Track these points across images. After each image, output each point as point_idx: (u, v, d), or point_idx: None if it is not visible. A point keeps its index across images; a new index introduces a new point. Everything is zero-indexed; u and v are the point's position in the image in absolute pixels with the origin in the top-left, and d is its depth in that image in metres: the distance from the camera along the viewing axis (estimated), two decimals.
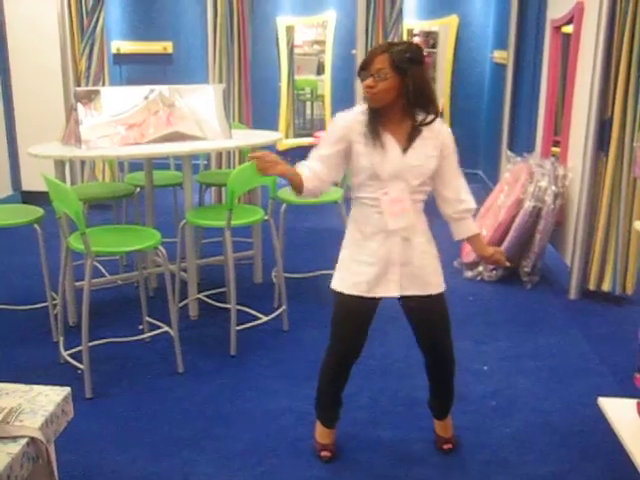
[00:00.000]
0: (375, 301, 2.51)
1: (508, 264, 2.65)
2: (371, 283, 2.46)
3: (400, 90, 2.32)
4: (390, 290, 2.48)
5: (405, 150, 2.38)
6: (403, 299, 2.53)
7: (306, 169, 2.46)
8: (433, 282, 2.52)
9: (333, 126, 2.46)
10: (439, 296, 2.54)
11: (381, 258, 2.44)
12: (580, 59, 4.48)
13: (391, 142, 2.38)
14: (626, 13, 3.86)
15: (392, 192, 2.39)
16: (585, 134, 4.15)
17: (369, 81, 2.32)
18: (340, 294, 2.51)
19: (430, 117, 2.39)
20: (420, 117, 2.40)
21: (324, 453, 2.71)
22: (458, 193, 2.53)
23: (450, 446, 2.78)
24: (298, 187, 2.45)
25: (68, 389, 1.28)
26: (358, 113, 2.42)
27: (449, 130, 2.49)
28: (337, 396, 2.71)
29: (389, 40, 5.92)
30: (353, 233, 2.52)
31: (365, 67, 2.34)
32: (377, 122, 2.38)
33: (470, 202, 2.57)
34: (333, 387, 2.69)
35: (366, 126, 2.38)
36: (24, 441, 1.10)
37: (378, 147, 2.36)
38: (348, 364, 2.61)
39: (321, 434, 2.76)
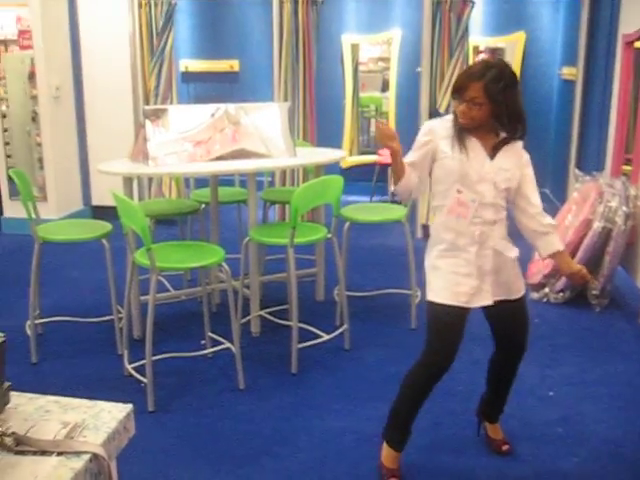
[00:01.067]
0: (469, 310, 2.54)
1: (592, 281, 2.71)
2: (469, 294, 2.51)
3: (493, 115, 2.43)
4: (484, 299, 2.54)
5: (492, 156, 2.47)
6: (492, 309, 2.58)
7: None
8: (517, 287, 2.62)
9: (420, 132, 2.56)
10: (522, 299, 2.64)
11: (477, 269, 2.50)
12: None
13: (478, 147, 2.47)
14: None
15: (464, 195, 2.45)
16: None
17: (463, 107, 2.42)
18: (440, 305, 2.51)
19: (518, 134, 2.49)
20: (503, 133, 2.49)
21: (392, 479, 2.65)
22: (540, 208, 2.58)
23: (508, 447, 2.84)
24: (399, 173, 2.51)
25: (130, 406, 1.29)
26: (445, 120, 2.54)
27: (526, 153, 2.58)
28: (414, 414, 2.65)
29: (454, 57, 5.87)
30: (443, 243, 2.54)
31: (459, 92, 2.41)
32: (464, 130, 2.48)
33: (551, 218, 2.62)
34: (416, 403, 2.63)
35: (454, 131, 2.48)
36: (87, 457, 1.11)
37: (465, 150, 2.45)
38: (440, 376, 2.57)
39: (389, 458, 2.68)
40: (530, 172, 2.57)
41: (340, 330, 3.88)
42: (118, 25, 6.17)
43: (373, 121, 8.64)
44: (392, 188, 2.60)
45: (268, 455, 2.86)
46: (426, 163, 2.53)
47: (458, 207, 2.47)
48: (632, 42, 4.84)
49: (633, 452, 2.88)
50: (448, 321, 2.53)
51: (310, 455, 2.86)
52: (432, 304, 2.54)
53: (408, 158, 2.55)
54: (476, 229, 2.48)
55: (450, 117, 2.53)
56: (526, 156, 2.56)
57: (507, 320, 2.66)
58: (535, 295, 4.61)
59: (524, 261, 4.88)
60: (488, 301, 2.54)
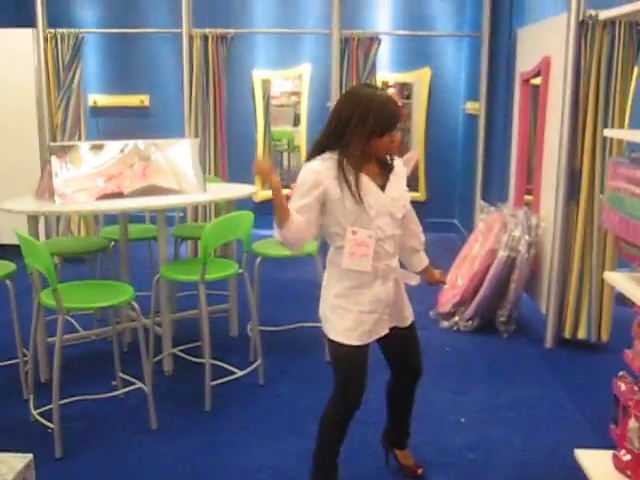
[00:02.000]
0: (370, 345, 2.57)
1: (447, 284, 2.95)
2: (372, 330, 2.53)
3: None
4: (383, 330, 2.58)
5: (383, 187, 2.48)
6: (384, 339, 2.62)
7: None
8: (408, 313, 2.70)
9: (304, 176, 2.44)
10: (412, 324, 2.72)
11: (381, 303, 2.53)
12: (549, 111, 4.58)
13: (367, 182, 2.44)
14: (590, 66, 3.97)
15: (360, 234, 2.43)
16: (556, 184, 4.22)
17: (399, 135, 2.48)
18: (346, 346, 2.50)
19: (390, 158, 2.54)
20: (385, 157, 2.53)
21: None
22: (418, 225, 2.73)
23: (422, 470, 2.90)
24: (283, 213, 2.37)
25: (30, 456, 1.25)
26: (325, 160, 2.43)
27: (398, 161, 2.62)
28: (337, 453, 2.65)
29: None
30: (344, 282, 2.50)
31: (396, 124, 2.42)
32: (354, 165, 2.42)
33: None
34: (336, 443, 2.63)
35: (341, 170, 2.40)
36: None
37: (357, 189, 2.40)
38: (352, 413, 2.58)
39: None
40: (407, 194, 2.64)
41: (254, 365, 3.86)
42: (23, 59, 6.03)
43: (286, 155, 8.73)
44: (277, 235, 2.46)
45: None
46: (317, 207, 2.42)
47: (358, 248, 2.43)
48: (528, 79, 5.09)
49: (540, 473, 2.97)
50: (353, 359, 2.53)
51: None
52: (337, 344, 2.52)
53: (294, 204, 2.41)
54: (380, 264, 2.49)
55: (328, 156, 2.43)
56: (402, 168, 2.59)
57: (401, 346, 2.71)
58: (445, 324, 4.73)
59: (434, 290, 5.02)
60: (385, 331, 2.58)
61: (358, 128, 2.36)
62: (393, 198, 2.49)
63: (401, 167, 2.59)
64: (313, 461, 2.67)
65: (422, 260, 2.76)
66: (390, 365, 2.77)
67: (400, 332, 2.65)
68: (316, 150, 2.47)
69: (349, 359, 2.54)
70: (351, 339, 2.49)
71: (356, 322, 2.49)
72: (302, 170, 2.47)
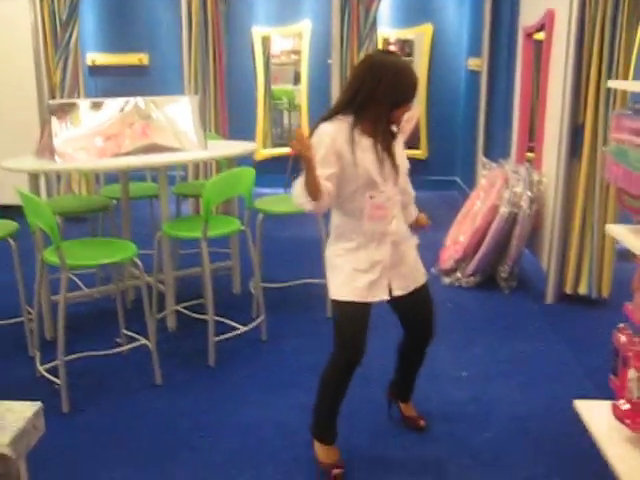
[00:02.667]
0: (370, 304, 2.58)
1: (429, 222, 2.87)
2: (368, 288, 2.53)
3: None
4: (383, 294, 2.58)
5: (390, 155, 2.49)
6: (395, 297, 2.62)
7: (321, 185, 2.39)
8: (419, 275, 2.69)
9: (320, 140, 2.41)
10: (425, 284, 2.72)
11: (376, 264, 2.53)
12: (552, 66, 4.53)
13: (377, 146, 2.46)
14: (595, 20, 3.91)
15: (378, 198, 2.47)
16: (558, 140, 4.20)
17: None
18: (341, 302, 2.55)
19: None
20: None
21: (336, 471, 2.62)
22: (409, 183, 2.74)
23: (424, 421, 2.96)
24: (315, 188, 2.35)
25: (39, 404, 1.27)
26: (338, 122, 2.44)
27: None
28: (337, 409, 2.67)
29: (363, 49, 5.96)
30: (343, 243, 2.56)
31: (413, 97, 2.45)
32: (368, 132, 2.45)
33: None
34: (336, 398, 2.65)
35: (353, 134, 2.42)
36: None
37: (367, 151, 2.43)
38: (352, 370, 2.60)
39: (325, 453, 2.68)
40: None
41: (257, 322, 3.89)
42: (19, 17, 5.94)
43: (286, 113, 8.67)
44: (307, 206, 2.42)
45: (187, 449, 2.85)
46: (338, 170, 2.42)
47: (377, 211, 2.48)
48: (531, 34, 5.03)
49: (538, 426, 3.01)
50: (350, 317, 2.56)
51: (230, 447, 2.87)
52: (334, 302, 2.58)
53: (323, 171, 2.38)
54: (377, 227, 2.53)
55: (341, 118, 2.45)
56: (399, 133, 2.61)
57: (413, 309, 2.72)
58: (447, 280, 4.75)
59: (436, 248, 5.04)
60: (385, 296, 2.58)
61: (384, 98, 2.39)
62: (397, 164, 2.52)
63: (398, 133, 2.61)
64: (313, 415, 2.70)
65: (411, 213, 2.80)
66: (403, 326, 2.79)
67: (412, 294, 2.65)
68: (332, 114, 2.49)
69: (344, 316, 2.57)
70: (345, 295, 2.53)
71: (349, 277, 2.53)
72: (317, 133, 2.45)
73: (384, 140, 2.46)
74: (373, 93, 2.39)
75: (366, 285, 2.53)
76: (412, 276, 2.66)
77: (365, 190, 2.46)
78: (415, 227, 2.83)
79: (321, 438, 2.70)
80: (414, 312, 2.73)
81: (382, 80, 2.37)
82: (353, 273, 2.53)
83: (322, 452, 2.69)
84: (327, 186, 2.40)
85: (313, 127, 2.49)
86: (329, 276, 2.61)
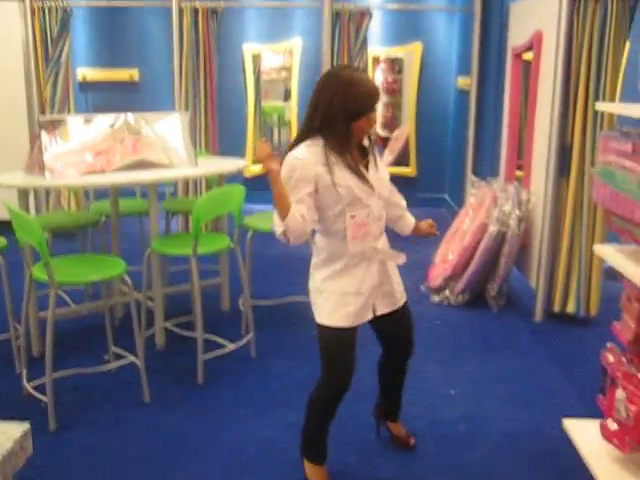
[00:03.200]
0: (357, 328, 2.55)
1: (437, 233, 2.84)
2: (357, 312, 2.50)
3: None
4: (369, 314, 2.56)
5: (367, 167, 2.46)
6: (377, 321, 2.62)
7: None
8: (399, 294, 2.67)
9: (291, 166, 2.35)
10: (406, 303, 2.71)
11: (367, 286, 2.50)
12: (540, 85, 4.57)
13: (347, 163, 2.41)
14: (582, 40, 3.96)
15: (359, 216, 2.42)
16: (547, 159, 4.23)
17: (376, 116, 2.44)
18: (331, 329, 2.49)
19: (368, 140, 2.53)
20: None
21: None
22: (397, 194, 2.74)
23: (413, 439, 2.95)
24: (284, 205, 2.29)
25: (27, 425, 1.26)
26: (309, 147, 2.37)
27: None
28: (326, 431, 2.65)
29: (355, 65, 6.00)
30: (330, 266, 2.49)
31: (373, 106, 2.39)
32: (338, 151, 2.37)
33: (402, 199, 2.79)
34: (324, 421, 2.63)
35: (328, 156, 2.36)
36: None
37: (344, 171, 2.37)
38: (343, 392, 2.56)
39: (314, 472, 2.68)
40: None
41: (246, 339, 3.88)
42: (10, 32, 5.95)
43: (276, 130, 8.70)
44: (279, 230, 2.33)
45: (176, 469, 2.83)
46: (312, 198, 2.36)
47: (359, 230, 2.43)
48: (520, 54, 5.08)
49: (528, 445, 3.01)
50: (341, 342, 2.52)
51: (219, 465, 2.85)
52: (322, 327, 2.52)
53: (295, 195, 2.32)
54: (366, 246, 2.48)
55: (310, 143, 2.38)
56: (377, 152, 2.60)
57: (394, 326, 2.70)
58: (436, 298, 4.76)
59: (424, 265, 5.05)
60: (370, 315, 2.56)
61: (340, 111, 2.32)
62: (377, 179, 2.47)
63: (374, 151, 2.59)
64: (302, 436, 2.69)
65: (408, 222, 2.79)
66: (382, 344, 2.77)
67: (392, 314, 2.63)
68: (300, 138, 2.42)
69: (335, 342, 2.52)
70: (335, 321, 2.48)
71: (340, 303, 2.48)
72: (286, 160, 2.37)
73: (353, 155, 2.42)
74: (329, 109, 2.33)
75: (357, 310, 2.49)
76: (396, 294, 2.64)
77: (350, 209, 2.40)
78: (419, 235, 2.81)
79: (310, 458, 2.69)
80: (395, 329, 2.72)
81: (335, 94, 2.31)
82: (343, 297, 2.48)
83: (312, 471, 2.68)
84: (299, 208, 2.31)
85: (282, 157, 2.39)
86: (316, 300, 2.54)
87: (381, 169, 2.54)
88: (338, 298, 2.48)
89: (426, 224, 2.80)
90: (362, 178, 2.40)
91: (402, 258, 2.63)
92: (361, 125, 2.37)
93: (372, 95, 2.36)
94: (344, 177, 2.37)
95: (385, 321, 2.63)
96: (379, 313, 2.59)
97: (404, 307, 2.69)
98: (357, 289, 2.49)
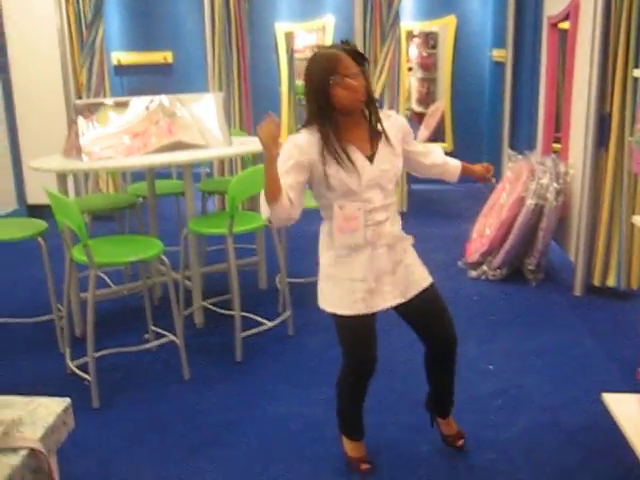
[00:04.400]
0: (374, 314, 2.45)
1: (494, 180, 2.77)
2: (367, 299, 2.40)
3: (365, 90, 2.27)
4: (388, 301, 2.44)
5: (372, 158, 2.32)
6: (400, 305, 2.48)
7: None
8: (419, 277, 2.50)
9: (287, 150, 2.29)
10: (431, 287, 2.52)
11: (371, 271, 2.39)
12: (578, 55, 4.48)
13: (356, 154, 2.30)
14: (621, 8, 3.86)
15: (348, 208, 2.31)
16: (585, 130, 4.15)
17: (359, 81, 2.22)
18: (345, 317, 2.42)
19: (375, 112, 2.34)
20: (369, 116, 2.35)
21: (364, 466, 2.64)
22: (429, 150, 2.61)
23: (463, 441, 2.76)
24: (274, 189, 2.20)
25: (68, 400, 1.29)
26: (310, 134, 2.30)
27: (399, 116, 2.50)
28: (360, 410, 2.64)
29: (386, 43, 5.95)
30: (334, 250, 2.41)
31: (343, 73, 2.21)
32: (338, 137, 2.28)
33: (436, 148, 2.67)
34: (355, 403, 2.62)
35: (326, 145, 2.27)
36: (24, 452, 1.11)
37: (345, 163, 2.27)
38: (367, 378, 2.53)
39: (352, 448, 2.68)
40: (410, 141, 2.49)
41: (283, 317, 3.91)
42: (45, 19, 6.02)
43: None
44: (266, 215, 2.30)
45: (216, 444, 2.88)
46: (302, 183, 2.29)
47: (347, 223, 2.32)
48: (556, 23, 4.98)
49: (568, 419, 2.99)
50: (353, 331, 2.45)
51: (258, 441, 2.89)
52: (334, 316, 2.45)
53: (285, 180, 2.24)
54: (367, 231, 2.35)
55: (312, 130, 2.30)
56: (400, 120, 2.45)
57: (422, 315, 2.54)
58: (473, 273, 4.72)
59: (462, 240, 5.01)
60: (389, 303, 2.44)
61: (310, 89, 2.27)
62: (382, 170, 2.33)
63: (395, 122, 2.42)
64: (337, 416, 2.69)
65: (453, 171, 2.69)
66: (419, 336, 2.60)
67: (417, 299, 2.48)
68: (307, 123, 2.34)
69: (349, 330, 2.46)
70: (343, 309, 2.41)
71: (346, 291, 2.39)
72: (286, 143, 2.32)
73: (360, 140, 2.32)
74: (308, 91, 2.28)
75: (365, 296, 2.39)
76: (411, 279, 2.47)
77: (340, 201, 2.31)
78: (474, 177, 2.74)
79: (348, 435, 2.70)
80: (424, 319, 2.55)
81: (306, 75, 2.28)
82: (351, 284, 2.38)
83: (350, 447, 2.69)
84: (289, 194, 2.25)
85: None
86: (323, 286, 2.48)
87: (388, 159, 2.35)
88: (345, 285, 2.40)
89: (481, 167, 2.72)
90: (359, 172, 2.28)
91: (410, 239, 2.51)
92: (337, 94, 2.22)
93: (328, 59, 2.23)
94: (339, 170, 2.27)
95: (411, 310, 2.50)
96: (396, 302, 2.46)
97: (430, 293, 2.51)
98: (363, 275, 2.37)
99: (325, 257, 2.46)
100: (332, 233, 2.39)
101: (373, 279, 2.39)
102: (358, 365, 2.52)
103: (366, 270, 2.38)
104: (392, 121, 2.42)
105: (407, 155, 2.49)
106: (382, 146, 2.35)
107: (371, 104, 2.34)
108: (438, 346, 2.60)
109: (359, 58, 2.28)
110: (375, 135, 2.35)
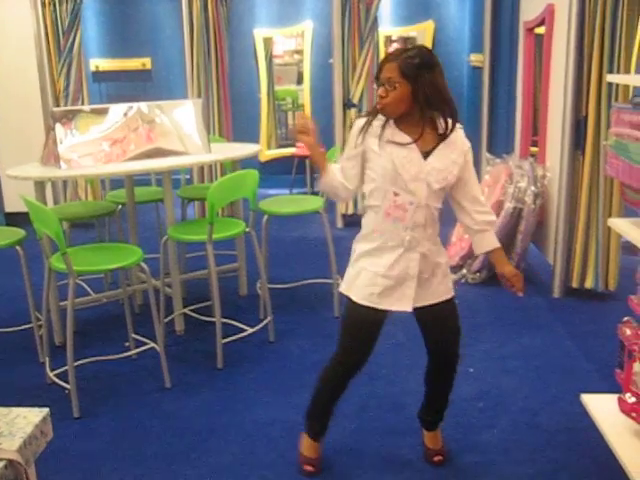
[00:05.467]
0: (386, 313, 2.47)
1: (521, 294, 2.60)
2: (383, 295, 2.41)
3: (413, 98, 2.28)
4: (404, 305, 2.44)
5: (427, 154, 2.34)
6: (416, 309, 2.48)
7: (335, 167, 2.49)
8: (443, 289, 2.50)
9: (352, 131, 2.44)
10: (449, 301, 2.53)
11: (398, 272, 2.40)
12: (553, 60, 4.53)
13: (412, 145, 2.33)
14: (595, 13, 3.91)
15: (401, 198, 2.34)
16: (561, 133, 4.20)
17: (380, 90, 2.30)
18: (358, 305, 2.44)
19: (450, 123, 2.34)
20: (441, 122, 2.35)
21: (307, 468, 2.68)
22: (477, 204, 2.46)
23: (441, 458, 2.75)
24: (320, 167, 2.48)
25: (46, 410, 1.29)
26: (376, 117, 2.38)
27: (467, 141, 2.44)
28: (332, 407, 2.66)
29: (364, 48, 5.97)
30: (366, 243, 2.45)
31: (377, 76, 2.34)
32: (397, 126, 2.35)
33: (489, 214, 2.51)
34: (332, 398, 2.64)
35: (382, 128, 2.35)
36: (1, 464, 1.10)
37: (398, 147, 2.32)
38: (353, 375, 2.56)
39: (307, 447, 2.72)
40: (471, 166, 2.44)
41: (264, 323, 3.91)
42: (22, 25, 5.97)
43: (290, 114, 8.69)
44: (320, 184, 2.57)
45: (198, 451, 2.87)
46: (357, 163, 2.40)
47: (395, 210, 2.35)
48: (532, 28, 5.03)
49: (548, 419, 3.02)
50: (362, 321, 2.48)
51: (240, 447, 2.89)
52: (348, 300, 2.48)
53: (341, 158, 2.47)
54: (406, 234, 2.37)
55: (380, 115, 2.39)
56: (467, 146, 2.42)
57: (432, 324, 2.55)
58: (453, 276, 4.75)
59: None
60: (407, 307, 2.44)
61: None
62: (434, 167, 2.33)
63: (462, 145, 2.40)
64: (307, 409, 2.70)
65: (483, 242, 2.50)
66: (426, 345, 2.61)
67: (435, 308, 2.48)
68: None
69: (355, 319, 2.49)
70: (361, 298, 2.43)
71: (368, 281, 2.42)
72: (355, 123, 2.47)
73: (424, 137, 2.34)
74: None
75: (383, 291, 2.41)
76: (438, 289, 2.48)
77: (391, 186, 2.34)
78: (501, 278, 2.54)
79: (308, 432, 2.72)
80: (433, 329, 2.57)
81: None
82: (374, 277, 2.41)
83: (306, 445, 2.72)
84: (333, 170, 2.45)
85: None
86: (350, 271, 2.51)
87: (444, 161, 2.36)
88: (369, 275, 2.42)
89: (513, 274, 2.51)
90: (407, 159, 2.32)
91: (444, 256, 2.51)
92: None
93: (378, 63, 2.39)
94: (392, 152, 2.32)
95: (424, 316, 2.52)
96: (418, 304, 2.45)
97: (448, 306, 2.53)
98: (388, 272, 2.39)
99: (360, 245, 2.49)
100: (369, 221, 2.45)
101: (397, 280, 2.40)
102: (350, 357, 2.54)
103: (392, 269, 2.39)
104: (460, 138, 2.41)
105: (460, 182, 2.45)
106: (442, 148, 2.37)
107: (431, 110, 2.35)
108: (438, 358, 2.64)
109: (406, 71, 2.28)
110: (438, 138, 2.37)
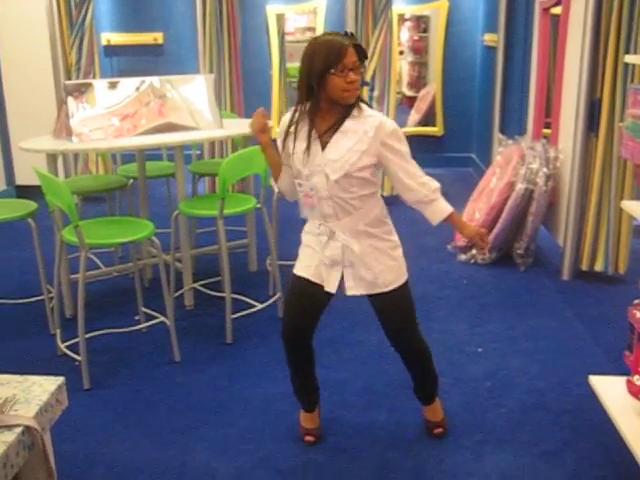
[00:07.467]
0: (322, 291, 2.49)
1: (488, 253, 2.62)
2: (317, 270, 2.50)
3: None
4: (330, 286, 2.49)
5: (325, 144, 2.34)
6: (368, 297, 2.54)
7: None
8: (381, 281, 2.47)
9: (278, 133, 2.49)
10: (392, 293, 2.50)
11: (329, 255, 2.46)
12: (569, 40, 4.48)
13: (313, 137, 2.34)
14: None
15: (305, 187, 2.42)
16: (575, 115, 4.17)
17: (353, 76, 2.24)
18: (293, 275, 2.57)
19: (355, 110, 2.33)
20: (355, 111, 2.34)
21: (308, 438, 2.77)
22: (415, 178, 2.39)
23: (441, 430, 2.79)
24: (274, 169, 2.55)
25: (62, 378, 1.30)
26: (291, 112, 2.42)
27: (387, 121, 2.36)
28: (303, 380, 2.75)
29: (378, 26, 5.93)
30: (307, 223, 2.57)
31: (338, 61, 2.22)
32: (309, 119, 2.35)
33: (431, 182, 2.42)
34: (292, 370, 2.72)
35: (292, 123, 2.39)
36: (19, 430, 1.12)
37: (301, 143, 2.36)
38: (295, 346, 2.62)
39: (303, 418, 2.82)
40: (396, 146, 2.34)
41: (273, 299, 3.92)
42: None
43: None
44: (276, 190, 2.70)
45: (207, 425, 2.90)
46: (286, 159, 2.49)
47: (307, 200, 2.44)
48: (548, 8, 4.98)
49: (555, 400, 3.03)
50: (294, 292, 2.59)
51: (249, 422, 2.91)
52: (292, 274, 2.60)
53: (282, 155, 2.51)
54: (320, 222, 2.46)
55: (295, 108, 2.39)
56: (384, 129, 2.32)
57: (379, 315, 2.58)
58: (463, 257, 4.74)
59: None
60: (331, 289, 2.48)
61: (306, 72, 2.28)
62: (329, 159, 2.32)
63: (371, 128, 2.32)
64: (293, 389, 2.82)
65: (435, 212, 2.43)
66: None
67: (382, 298, 2.50)
68: (297, 102, 2.41)
69: (291, 290, 2.61)
70: (297, 269, 2.56)
71: (308, 256, 2.53)
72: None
73: (322, 121, 2.35)
74: (303, 72, 2.32)
75: (319, 266, 2.49)
76: (373, 279, 2.46)
77: (297, 179, 2.44)
78: (462, 235, 2.53)
79: (300, 403, 2.81)
80: (380, 317, 2.58)
81: (307, 57, 2.30)
82: (313, 252, 2.51)
83: (302, 417, 2.82)
84: (286, 170, 2.50)
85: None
86: (299, 250, 2.62)
87: (339, 150, 2.32)
88: (307, 251, 2.54)
89: (475, 233, 2.49)
90: (310, 152, 2.34)
91: (384, 243, 2.48)
92: (335, 83, 2.24)
93: (336, 50, 2.22)
94: (299, 146, 2.37)
95: (373, 306, 2.57)
96: (350, 293, 2.49)
97: (390, 298, 2.50)
98: (316, 248, 2.50)
99: (305, 227, 2.59)
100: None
101: (329, 260, 2.47)
102: (285, 327, 2.62)
103: (320, 246, 2.48)
104: (371, 123, 2.33)
105: (387, 164, 2.39)
106: (340, 137, 2.33)
107: (357, 100, 2.35)
108: (396, 347, 2.66)
109: (362, 54, 2.28)
110: (337, 125, 2.34)
